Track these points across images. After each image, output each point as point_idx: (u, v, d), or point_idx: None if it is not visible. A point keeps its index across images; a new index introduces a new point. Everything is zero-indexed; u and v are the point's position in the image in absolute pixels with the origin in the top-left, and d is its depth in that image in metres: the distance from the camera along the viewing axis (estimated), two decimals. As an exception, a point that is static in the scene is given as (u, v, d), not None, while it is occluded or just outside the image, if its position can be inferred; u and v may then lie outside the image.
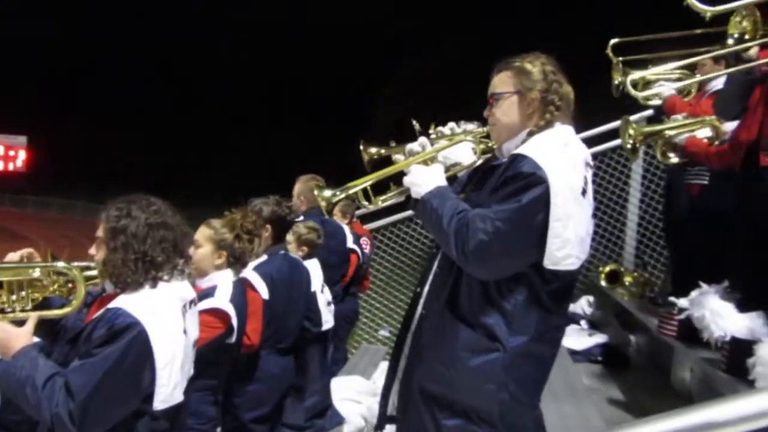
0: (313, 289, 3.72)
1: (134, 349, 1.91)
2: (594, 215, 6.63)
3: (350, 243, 5.00)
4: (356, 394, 4.42)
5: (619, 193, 6.26)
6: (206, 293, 2.77)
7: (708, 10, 2.74)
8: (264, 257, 3.33)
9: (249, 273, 3.15)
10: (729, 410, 0.85)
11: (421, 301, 2.26)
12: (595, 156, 6.07)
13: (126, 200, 2.14)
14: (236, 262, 2.89)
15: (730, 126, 3.77)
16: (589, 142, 5.82)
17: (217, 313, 2.73)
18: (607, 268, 5.55)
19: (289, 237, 3.91)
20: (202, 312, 2.65)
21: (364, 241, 5.59)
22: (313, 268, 3.88)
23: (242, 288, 2.94)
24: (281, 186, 4.33)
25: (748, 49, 3.04)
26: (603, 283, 5.50)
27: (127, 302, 1.97)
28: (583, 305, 5.73)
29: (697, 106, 4.09)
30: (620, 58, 4.08)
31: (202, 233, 2.84)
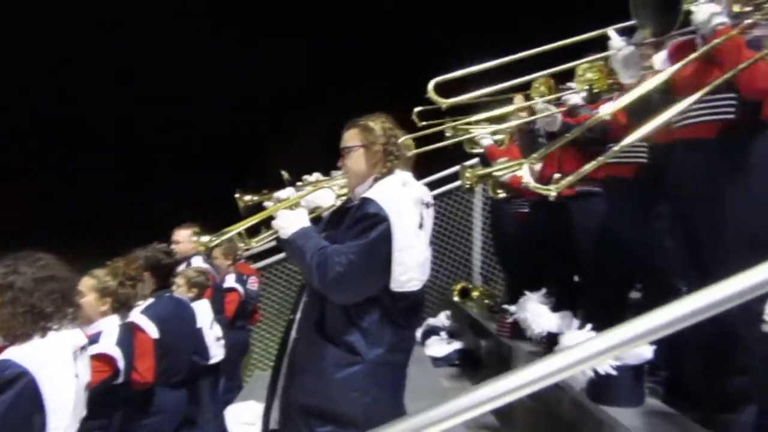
0: (199, 326, 3.63)
1: (24, 398, 1.81)
2: (446, 242, 6.92)
3: (231, 282, 4.92)
4: (251, 417, 4.31)
5: (465, 223, 6.64)
6: (91, 340, 2.65)
7: (444, 102, 2.74)
8: (150, 300, 3.24)
9: (137, 316, 3.04)
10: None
11: (295, 326, 2.32)
12: (443, 194, 6.44)
13: (13, 257, 2.04)
14: (121, 307, 2.79)
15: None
16: (439, 183, 6.21)
17: (103, 358, 2.63)
18: (459, 286, 5.85)
19: (180, 280, 3.82)
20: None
21: (252, 279, 5.53)
22: (203, 307, 3.80)
23: (129, 331, 2.83)
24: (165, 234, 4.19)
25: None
26: (456, 298, 5.78)
27: (15, 353, 1.88)
28: (442, 319, 5.99)
29: (511, 152, 4.49)
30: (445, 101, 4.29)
31: (85, 283, 2.72)
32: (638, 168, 2.98)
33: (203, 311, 3.76)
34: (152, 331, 3.10)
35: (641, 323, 1.02)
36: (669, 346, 2.75)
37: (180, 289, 3.74)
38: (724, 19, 2.17)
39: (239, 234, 2.36)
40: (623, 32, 2.53)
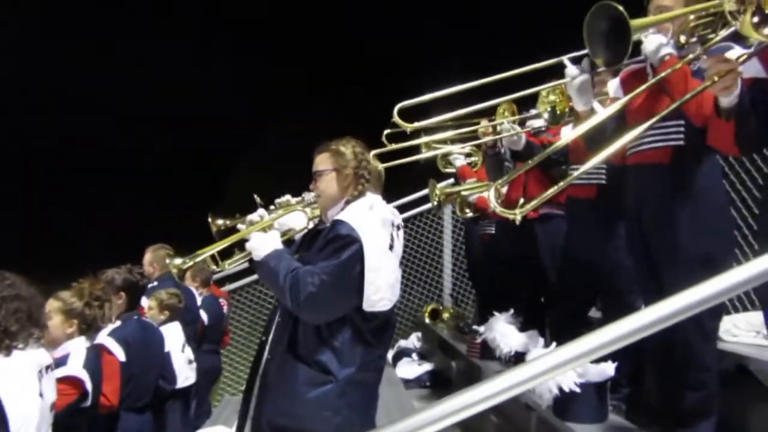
0: (167, 350, 3.60)
1: None
2: (417, 265, 6.97)
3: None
4: (220, 442, 4.25)
5: (435, 245, 6.71)
6: (58, 362, 2.61)
7: (409, 126, 2.83)
8: (118, 322, 3.20)
9: (104, 338, 3.00)
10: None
11: (267, 347, 2.34)
12: (414, 217, 6.53)
13: None
14: (88, 328, 2.75)
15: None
16: (409, 206, 6.30)
17: (70, 381, 2.58)
18: (430, 308, 5.90)
19: (152, 303, 3.79)
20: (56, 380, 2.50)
21: (222, 302, 5.48)
22: (174, 330, 3.77)
23: (97, 353, 2.79)
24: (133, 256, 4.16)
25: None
26: (427, 320, 5.83)
27: None
28: (413, 340, 6.02)
29: (481, 173, 4.62)
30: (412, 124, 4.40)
31: (51, 305, 2.68)
32: (598, 188, 3.09)
33: (174, 334, 3.72)
34: (119, 353, 3.07)
35: (588, 341, 1.09)
36: (631, 363, 2.85)
37: (151, 312, 3.70)
38: (671, 50, 2.32)
39: (212, 256, 2.39)
40: (580, 60, 2.67)
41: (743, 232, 3.27)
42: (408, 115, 2.82)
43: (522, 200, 3.46)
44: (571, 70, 2.58)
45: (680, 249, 2.35)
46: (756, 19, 1.63)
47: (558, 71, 2.73)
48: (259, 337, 2.43)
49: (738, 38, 2.13)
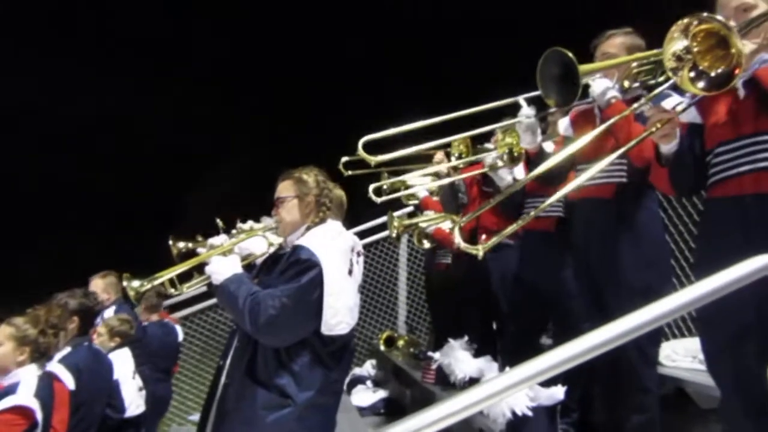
0: (116, 377, 3.49)
1: None
2: (372, 292, 6.98)
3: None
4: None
5: (391, 273, 6.77)
6: (8, 390, 2.51)
7: (373, 160, 2.89)
8: (68, 349, 3.09)
9: (54, 365, 2.90)
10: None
11: (224, 372, 2.33)
12: (371, 244, 6.58)
13: None
14: (41, 356, 2.66)
15: (466, 218, 4.41)
16: (365, 233, 6.36)
17: (20, 410, 2.47)
18: (385, 335, 5.90)
19: (101, 329, 3.68)
20: (4, 411, 2.40)
21: (174, 328, 5.33)
22: (124, 357, 3.66)
23: (49, 381, 2.69)
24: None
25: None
26: (382, 347, 5.84)
27: None
28: (368, 368, 6.00)
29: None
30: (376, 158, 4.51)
31: (3, 332, 2.59)
32: (557, 221, 3.24)
33: (124, 361, 3.62)
34: (69, 381, 2.96)
35: (536, 363, 1.17)
36: (581, 389, 2.97)
37: (101, 339, 3.60)
38: (616, 93, 2.51)
39: (171, 280, 2.38)
40: (534, 100, 2.84)
41: (681, 264, 3.49)
42: (373, 148, 2.89)
43: (484, 236, 3.58)
44: (525, 110, 2.75)
45: (622, 279, 2.50)
46: (692, 75, 1.79)
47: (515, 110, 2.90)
48: (216, 362, 2.42)
49: (677, 87, 2.32)
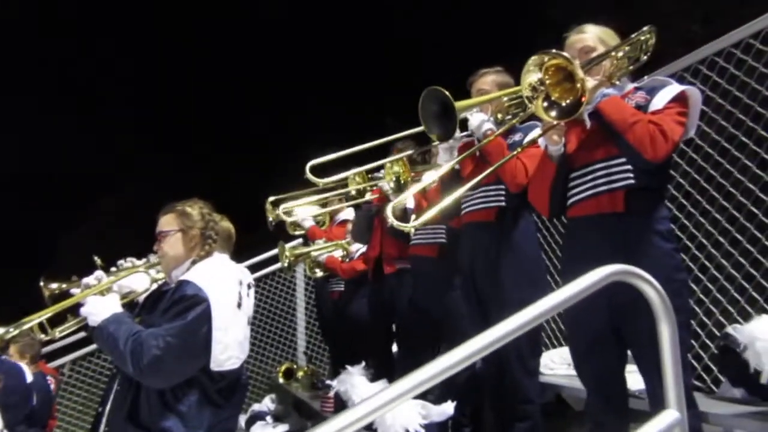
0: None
1: None
2: (270, 325, 6.82)
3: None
4: None
5: (288, 304, 6.66)
6: None
7: (320, 182, 3.17)
8: None
9: None
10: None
11: (104, 419, 2.18)
12: (266, 276, 6.45)
13: None
14: None
15: (355, 247, 4.49)
16: (260, 265, 6.24)
17: None
18: (283, 367, 5.79)
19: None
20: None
21: (49, 379, 4.87)
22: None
23: None
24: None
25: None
26: (281, 380, 5.71)
27: None
28: (267, 403, 5.81)
29: (330, 232, 4.78)
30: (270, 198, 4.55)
31: None
32: (440, 247, 3.38)
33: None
34: None
35: (419, 374, 1.22)
36: (472, 403, 3.09)
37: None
38: (491, 125, 2.72)
39: (40, 324, 2.20)
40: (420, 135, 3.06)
41: (555, 278, 3.77)
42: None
43: (414, 216, 3.66)
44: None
45: (505, 297, 2.66)
46: (545, 104, 1.99)
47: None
48: (95, 409, 2.26)
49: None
